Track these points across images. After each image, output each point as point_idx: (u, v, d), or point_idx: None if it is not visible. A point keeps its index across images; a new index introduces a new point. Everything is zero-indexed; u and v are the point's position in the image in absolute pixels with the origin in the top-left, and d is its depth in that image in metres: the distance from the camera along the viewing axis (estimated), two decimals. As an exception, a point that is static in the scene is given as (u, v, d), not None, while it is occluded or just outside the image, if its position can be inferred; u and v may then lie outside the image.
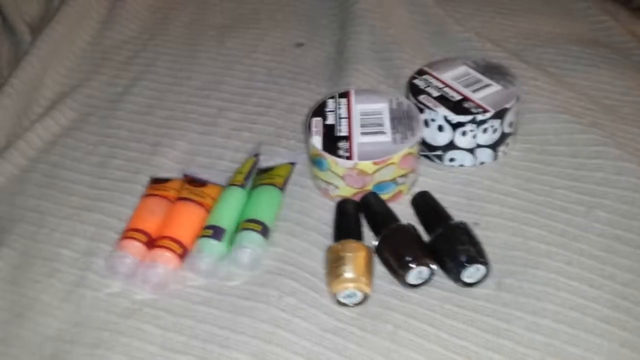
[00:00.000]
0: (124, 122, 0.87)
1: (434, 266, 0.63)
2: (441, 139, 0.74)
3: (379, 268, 0.65)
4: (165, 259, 0.65)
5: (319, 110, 0.75)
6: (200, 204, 0.70)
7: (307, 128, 0.72)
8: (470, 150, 0.74)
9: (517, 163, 0.74)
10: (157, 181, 0.75)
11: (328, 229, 0.69)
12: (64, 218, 0.74)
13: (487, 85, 0.75)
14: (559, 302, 0.60)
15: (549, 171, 0.73)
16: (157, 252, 0.66)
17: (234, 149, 0.81)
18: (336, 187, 0.71)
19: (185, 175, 0.76)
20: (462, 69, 0.78)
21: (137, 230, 0.68)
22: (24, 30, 1.03)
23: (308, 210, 0.72)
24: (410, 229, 0.66)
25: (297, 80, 0.92)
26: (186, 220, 0.69)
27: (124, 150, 0.83)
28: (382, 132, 0.71)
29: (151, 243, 0.67)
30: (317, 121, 0.73)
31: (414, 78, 0.78)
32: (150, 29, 1.07)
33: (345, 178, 0.70)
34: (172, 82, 0.94)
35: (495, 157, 0.75)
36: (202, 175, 0.76)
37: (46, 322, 0.64)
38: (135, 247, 0.67)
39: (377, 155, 0.68)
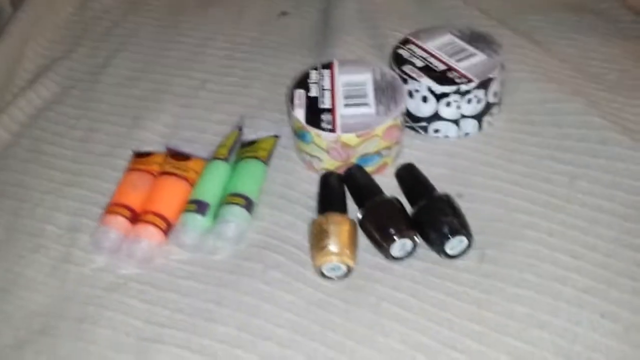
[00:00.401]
0: (106, 95, 0.87)
1: (417, 238, 0.63)
2: (425, 109, 0.73)
3: (363, 240, 0.65)
4: (150, 234, 0.65)
5: (302, 82, 0.74)
6: (184, 178, 0.70)
7: (290, 100, 0.72)
8: (455, 121, 0.73)
9: (502, 134, 0.74)
10: (140, 155, 0.75)
11: (312, 202, 0.69)
12: (47, 193, 0.73)
13: (471, 55, 0.74)
14: (540, 273, 0.60)
15: (533, 142, 0.73)
16: (142, 226, 0.66)
17: (217, 121, 0.80)
18: (320, 160, 0.71)
19: (168, 149, 0.75)
20: (447, 38, 0.77)
21: (120, 205, 0.68)
22: (4, 1, 1.01)
23: (292, 184, 0.72)
24: (393, 201, 0.66)
25: (282, 51, 0.91)
26: (170, 195, 0.69)
27: (106, 124, 0.82)
28: (366, 104, 0.70)
29: (135, 218, 0.67)
30: (299, 93, 0.73)
31: (398, 48, 0.77)
32: (132, -2, 1.06)
33: (329, 151, 0.69)
34: (154, 53, 0.93)
35: (480, 128, 0.75)
36: (185, 148, 0.76)
37: (31, 297, 0.64)
38: (119, 222, 0.67)
39: (360, 127, 0.68)
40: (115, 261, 0.66)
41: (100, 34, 0.98)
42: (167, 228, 0.67)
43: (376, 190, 0.67)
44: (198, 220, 0.66)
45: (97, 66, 0.92)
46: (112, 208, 0.68)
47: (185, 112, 0.82)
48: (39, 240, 0.69)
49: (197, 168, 0.71)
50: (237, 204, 0.67)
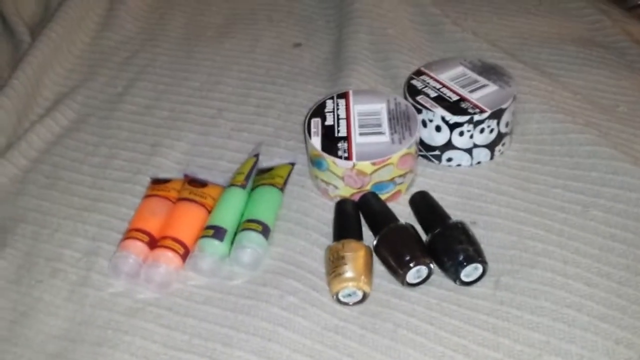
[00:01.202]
0: (123, 123, 0.88)
1: (432, 265, 0.64)
2: (439, 139, 0.75)
3: (378, 267, 0.66)
4: (168, 259, 0.66)
5: (318, 111, 0.76)
6: (201, 204, 0.71)
7: (307, 129, 0.73)
8: (468, 150, 0.75)
9: (514, 163, 0.75)
10: (157, 181, 0.76)
11: (327, 228, 0.70)
12: (65, 218, 0.74)
13: (483, 86, 0.76)
14: (555, 300, 0.61)
15: (545, 170, 0.74)
16: (160, 252, 0.67)
17: (234, 149, 0.82)
18: (335, 187, 0.72)
19: (186, 176, 0.77)
20: (459, 70, 0.79)
21: (139, 230, 0.69)
22: (24, 31, 1.03)
23: (308, 210, 0.73)
24: (408, 228, 0.67)
25: (295, 81, 0.92)
26: (187, 221, 0.70)
27: (124, 151, 0.83)
28: (381, 133, 0.72)
29: (153, 243, 0.68)
30: (316, 122, 0.74)
31: (412, 79, 0.79)
32: (148, 29, 1.08)
33: (344, 178, 0.70)
34: (171, 82, 0.95)
35: (492, 157, 0.76)
36: (202, 175, 0.77)
37: (50, 321, 0.65)
38: (138, 247, 0.67)
39: (375, 155, 0.69)
40: (133, 286, 0.67)
41: (118, 64, 1.00)
42: (185, 253, 0.67)
43: (391, 217, 0.68)
44: (215, 246, 0.67)
45: (115, 94, 0.94)
46: (131, 233, 0.69)
47: (202, 139, 0.84)
48: (57, 264, 0.69)
49: (214, 194, 0.73)
50: (253, 229, 0.68)
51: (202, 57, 1.00)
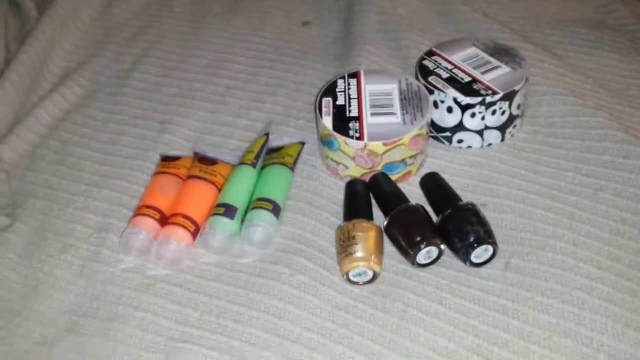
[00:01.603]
0: (132, 100, 0.88)
1: (442, 246, 0.64)
2: (450, 120, 0.74)
3: (389, 247, 0.66)
4: (179, 236, 0.66)
5: (330, 91, 0.75)
6: (212, 182, 0.71)
7: (318, 108, 0.73)
8: (479, 132, 0.75)
9: (525, 145, 0.75)
10: (167, 159, 0.76)
11: (338, 208, 0.70)
12: (75, 194, 0.74)
13: (496, 67, 0.75)
14: (565, 283, 0.61)
15: (556, 154, 0.74)
16: (170, 229, 0.67)
17: (244, 127, 0.82)
18: (346, 167, 0.72)
19: (196, 154, 0.76)
20: (471, 51, 0.79)
21: (149, 207, 0.69)
22: (31, 6, 1.02)
23: (318, 190, 0.73)
24: (419, 209, 0.67)
25: (305, 60, 0.92)
26: (198, 198, 0.70)
27: (133, 128, 0.83)
28: (392, 113, 0.72)
29: (164, 220, 0.68)
30: (327, 101, 0.74)
31: (424, 59, 0.78)
32: (155, 5, 1.07)
33: (355, 158, 0.70)
34: (179, 59, 0.95)
35: (503, 139, 0.76)
36: (212, 153, 0.77)
37: (61, 296, 0.65)
38: (149, 223, 0.67)
39: (387, 136, 0.69)
40: (144, 262, 0.67)
41: (125, 40, 0.99)
42: (196, 231, 0.68)
43: (402, 198, 0.68)
44: (226, 224, 0.67)
45: (123, 71, 0.93)
46: (141, 210, 0.69)
47: (212, 117, 0.84)
48: (68, 240, 0.69)
49: (225, 173, 0.73)
50: (264, 208, 0.68)
51: (210, 34, 0.99)
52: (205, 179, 0.71)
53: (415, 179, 0.73)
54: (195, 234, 0.67)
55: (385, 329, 0.60)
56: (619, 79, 0.83)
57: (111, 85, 0.91)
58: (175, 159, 0.75)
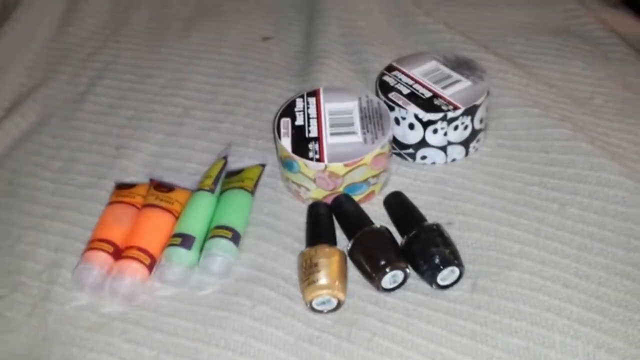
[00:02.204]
0: (86, 124, 0.85)
1: (408, 269, 0.62)
2: (412, 137, 0.73)
3: (353, 271, 0.64)
4: (133, 270, 0.64)
5: (288, 110, 0.73)
6: (168, 210, 0.69)
7: (276, 129, 0.71)
8: (442, 148, 0.73)
9: (489, 160, 0.74)
10: (122, 187, 0.73)
11: (300, 232, 0.68)
12: (27, 228, 0.71)
13: (457, 81, 0.74)
14: (534, 304, 0.59)
15: (520, 167, 0.72)
16: (124, 262, 0.64)
17: (202, 150, 0.79)
18: (307, 189, 0.70)
19: (152, 180, 0.74)
20: (432, 64, 0.77)
21: (102, 240, 0.66)
22: (-21, 28, 0.99)
23: (279, 214, 0.70)
24: (383, 231, 0.65)
25: (265, 77, 0.90)
26: (154, 229, 0.67)
27: (87, 154, 0.80)
28: (353, 133, 0.70)
29: (118, 253, 0.65)
30: (285, 122, 0.72)
31: (384, 74, 0.76)
32: (111, 23, 1.04)
33: (316, 180, 0.68)
34: (135, 80, 0.92)
35: (467, 154, 0.74)
36: (169, 179, 0.74)
37: (12, 338, 0.62)
38: (102, 258, 0.65)
39: (348, 156, 0.67)
40: (98, 299, 0.64)
41: (80, 61, 0.96)
42: (151, 263, 0.65)
43: (365, 219, 0.66)
44: (183, 255, 0.64)
45: (77, 93, 0.90)
46: (94, 243, 0.66)
47: (169, 140, 0.81)
48: (19, 278, 0.66)
49: (182, 199, 0.70)
50: (223, 236, 0.65)
51: (168, 52, 0.97)
52: (161, 207, 0.69)
53: (379, 198, 0.71)
54: (150, 267, 0.65)
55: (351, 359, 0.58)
56: (583, 87, 0.82)
57: (65, 109, 0.88)
58: (131, 186, 0.73)
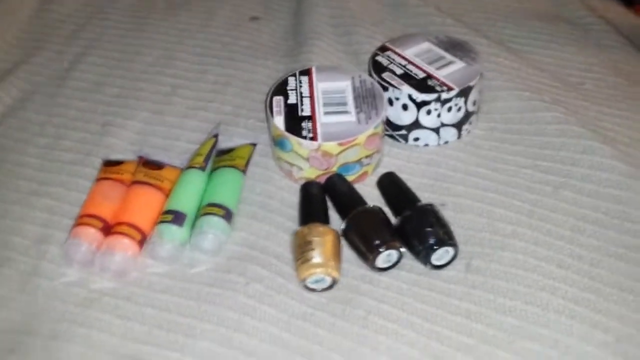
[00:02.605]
0: (72, 101, 0.83)
1: (402, 249, 0.62)
2: (406, 118, 0.72)
3: (347, 251, 0.63)
4: (124, 246, 0.63)
5: (280, 89, 0.72)
6: (158, 188, 0.67)
7: (269, 107, 0.70)
8: (435, 130, 0.73)
9: (481, 142, 0.74)
10: (110, 164, 0.72)
11: (293, 211, 0.67)
12: (13, 203, 0.70)
13: (450, 62, 0.74)
14: (528, 284, 0.59)
15: (513, 150, 0.72)
16: (114, 238, 0.63)
17: (191, 129, 0.78)
18: (300, 168, 0.69)
19: (140, 157, 0.72)
20: (424, 45, 0.77)
21: (91, 215, 0.65)
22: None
23: (271, 193, 0.70)
24: (377, 211, 0.64)
25: (254, 57, 0.89)
26: (144, 205, 0.66)
27: (73, 131, 0.79)
28: (346, 112, 0.69)
29: (107, 229, 0.64)
30: (278, 100, 0.71)
31: (377, 55, 0.76)
32: (94, 0, 1.02)
33: (309, 159, 0.68)
34: (121, 57, 0.90)
35: (460, 136, 0.74)
36: (158, 157, 0.73)
37: (1, 314, 0.60)
38: (91, 233, 0.63)
39: (341, 135, 0.67)
40: (87, 275, 0.63)
41: (64, 37, 0.94)
42: (142, 240, 0.64)
43: (359, 200, 0.66)
44: (174, 232, 0.63)
45: (62, 70, 0.88)
46: (83, 219, 0.65)
47: (157, 118, 0.80)
48: (6, 253, 0.65)
49: (172, 177, 0.69)
50: (215, 214, 0.65)
51: (155, 30, 0.95)
52: (150, 184, 0.67)
53: (372, 179, 0.70)
54: (141, 243, 0.64)
55: (345, 337, 0.57)
56: (574, 72, 0.82)
57: (49, 86, 0.86)
58: (118, 163, 0.71)
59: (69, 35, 0.95)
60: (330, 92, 0.72)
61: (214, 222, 0.64)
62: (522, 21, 0.91)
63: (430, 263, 0.62)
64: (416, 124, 0.72)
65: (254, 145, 0.74)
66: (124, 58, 0.90)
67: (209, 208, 0.65)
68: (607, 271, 0.60)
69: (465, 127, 0.74)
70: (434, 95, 0.70)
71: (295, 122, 0.68)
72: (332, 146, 0.66)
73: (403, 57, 0.75)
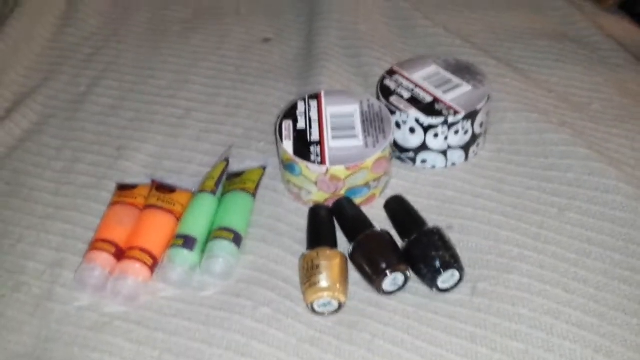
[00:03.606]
0: (88, 125, 0.85)
1: (408, 272, 0.63)
2: (413, 141, 0.73)
3: (354, 274, 0.64)
4: (136, 271, 0.64)
5: (289, 113, 0.74)
6: (170, 212, 0.69)
7: (278, 132, 0.71)
8: (442, 152, 0.73)
9: (488, 164, 0.74)
10: (124, 187, 0.73)
11: (301, 234, 0.68)
12: (28, 228, 0.72)
13: (457, 86, 0.74)
14: (533, 307, 0.60)
15: (519, 172, 0.73)
16: (127, 263, 0.64)
17: (203, 152, 0.79)
18: (309, 192, 0.70)
19: (153, 181, 0.74)
20: (432, 69, 0.77)
21: (105, 240, 0.66)
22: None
23: (280, 216, 0.71)
24: (384, 235, 0.65)
25: (266, 79, 0.90)
26: (156, 230, 0.68)
27: (89, 154, 0.80)
28: (354, 136, 0.70)
29: (120, 254, 0.66)
30: (287, 124, 0.72)
31: (385, 78, 0.77)
32: (111, 24, 1.04)
33: (317, 183, 0.69)
34: (136, 81, 0.92)
35: (467, 158, 0.75)
36: (171, 180, 0.75)
37: (14, 338, 0.62)
38: (104, 258, 0.65)
39: (349, 160, 0.68)
40: (100, 299, 0.64)
41: (80, 61, 0.96)
42: (154, 264, 0.65)
43: (366, 223, 0.67)
44: (185, 256, 0.65)
45: (78, 94, 0.90)
46: (96, 244, 0.66)
47: (170, 141, 0.81)
48: (20, 277, 0.67)
49: (184, 201, 0.70)
50: (225, 238, 0.66)
51: (169, 53, 0.97)
52: (163, 209, 0.69)
53: (380, 202, 0.71)
54: (153, 268, 0.65)
55: (351, 361, 0.58)
56: (581, 93, 0.83)
57: (66, 110, 0.88)
58: (132, 187, 0.73)
59: (86, 59, 0.97)
60: (339, 116, 0.73)
61: (224, 246, 0.65)
62: (529, 41, 0.91)
63: (437, 286, 0.62)
64: (423, 147, 0.73)
65: (264, 168, 0.75)
66: (139, 81, 0.92)
67: (219, 232, 0.66)
68: (612, 295, 0.60)
69: (472, 149, 0.75)
70: (440, 119, 0.71)
71: (304, 146, 0.69)
72: (339, 170, 0.67)
73: (410, 81, 0.76)
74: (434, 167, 0.75)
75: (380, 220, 0.69)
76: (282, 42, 0.97)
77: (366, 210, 0.69)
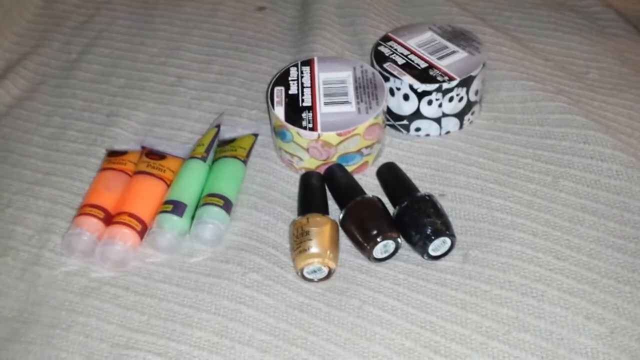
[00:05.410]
0: (78, 91, 0.84)
1: (399, 239, 0.62)
2: (407, 108, 0.72)
3: (345, 242, 0.64)
4: (124, 236, 0.63)
5: (282, 79, 0.73)
6: (160, 178, 0.68)
7: (270, 98, 0.70)
8: (436, 120, 0.72)
9: (483, 132, 0.73)
10: (113, 154, 0.72)
11: (292, 202, 0.68)
12: (16, 193, 0.71)
13: (453, 52, 0.73)
14: (524, 275, 0.59)
15: (514, 140, 0.72)
16: (115, 228, 0.64)
17: (194, 119, 0.78)
18: (300, 159, 0.69)
19: (144, 147, 0.73)
20: (427, 35, 0.76)
21: (93, 205, 0.66)
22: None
23: (271, 183, 0.70)
24: (375, 201, 0.64)
25: (259, 47, 0.89)
26: (145, 195, 0.67)
27: (78, 121, 0.79)
28: (347, 102, 0.69)
29: (109, 219, 0.65)
30: (279, 90, 0.71)
31: (379, 45, 0.76)
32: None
33: (309, 150, 0.68)
34: (128, 48, 0.91)
35: (461, 126, 0.74)
36: (161, 147, 0.74)
37: (1, 302, 0.62)
38: (92, 223, 0.64)
39: (341, 126, 0.67)
40: (88, 264, 0.64)
41: (72, 29, 0.95)
42: (142, 230, 0.65)
43: (358, 190, 0.66)
44: (174, 222, 0.64)
45: (69, 61, 0.89)
46: (85, 209, 0.65)
47: (161, 109, 0.80)
48: (8, 242, 0.66)
49: (174, 167, 0.69)
50: (215, 204, 0.65)
51: (161, 21, 0.95)
52: (152, 175, 0.68)
53: (372, 170, 0.70)
54: (142, 233, 0.64)
55: (340, 327, 0.58)
56: (579, 62, 0.82)
57: (56, 77, 0.87)
58: (122, 153, 0.72)
59: (77, 26, 0.96)
60: (331, 82, 0.72)
61: (214, 212, 0.65)
62: (527, 10, 0.90)
63: (428, 254, 0.62)
64: (417, 114, 0.72)
65: (256, 135, 0.74)
66: (130, 49, 0.90)
67: (209, 198, 0.66)
68: (605, 262, 0.60)
69: (467, 117, 0.74)
70: (435, 86, 0.70)
71: (295, 112, 0.68)
72: (331, 136, 0.67)
73: (405, 47, 0.75)
74: (428, 135, 0.74)
75: (372, 188, 0.68)
76: (276, 11, 0.96)
77: (358, 178, 0.69)
